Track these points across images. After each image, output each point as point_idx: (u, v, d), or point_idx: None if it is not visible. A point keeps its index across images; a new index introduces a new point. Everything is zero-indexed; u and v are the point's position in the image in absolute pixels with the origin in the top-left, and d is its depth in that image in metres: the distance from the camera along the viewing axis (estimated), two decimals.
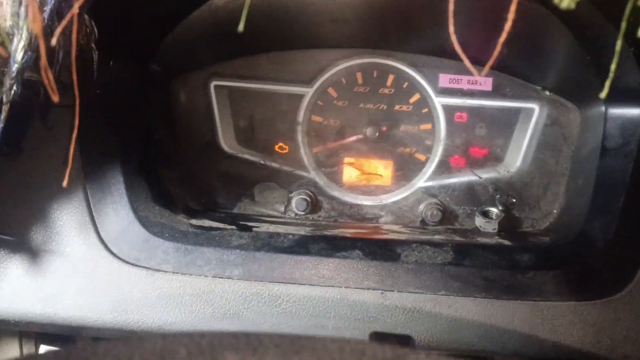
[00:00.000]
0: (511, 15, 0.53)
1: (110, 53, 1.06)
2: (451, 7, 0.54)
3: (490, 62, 0.55)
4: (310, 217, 1.36)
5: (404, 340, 0.80)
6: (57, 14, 0.90)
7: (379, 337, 0.83)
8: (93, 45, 1.00)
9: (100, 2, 0.96)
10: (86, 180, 1.05)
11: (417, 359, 0.41)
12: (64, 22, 0.56)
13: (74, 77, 0.68)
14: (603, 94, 0.57)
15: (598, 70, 1.13)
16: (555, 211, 1.31)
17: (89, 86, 1.03)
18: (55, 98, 0.57)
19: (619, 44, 0.52)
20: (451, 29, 0.56)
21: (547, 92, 1.32)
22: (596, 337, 0.99)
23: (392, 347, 0.43)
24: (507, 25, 0.54)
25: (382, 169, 1.39)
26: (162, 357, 0.42)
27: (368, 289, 1.01)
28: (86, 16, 0.97)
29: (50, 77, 0.58)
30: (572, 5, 0.50)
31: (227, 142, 1.37)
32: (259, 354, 0.43)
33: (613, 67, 0.54)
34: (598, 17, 0.95)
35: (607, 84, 0.54)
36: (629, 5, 0.49)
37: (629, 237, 1.05)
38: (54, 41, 0.57)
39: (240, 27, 0.59)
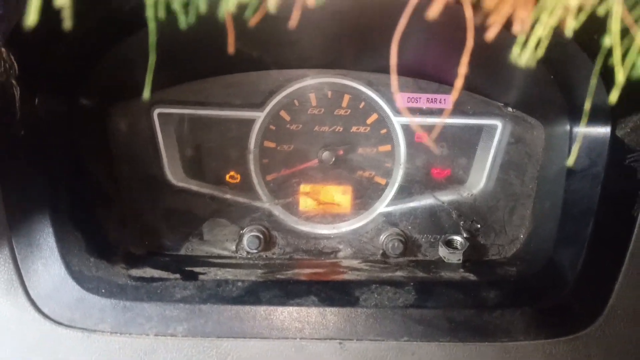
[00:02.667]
0: (469, 42, 0.46)
1: (34, 88, 0.99)
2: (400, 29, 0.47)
3: (458, 88, 0.49)
4: (264, 255, 1.28)
5: None
6: None
7: None
8: (13, 81, 0.93)
9: (18, 35, 0.87)
10: (12, 233, 0.97)
11: None
12: None
13: None
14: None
15: (561, 87, 1.08)
16: (522, 236, 1.27)
17: (11, 126, 0.95)
18: None
19: (593, 81, 0.46)
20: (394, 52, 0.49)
21: (510, 109, 1.27)
22: None
23: None
24: (466, 53, 0.47)
25: (340, 195, 1.32)
26: None
27: (325, 339, 0.96)
28: (3, 49, 0.89)
29: None
30: (533, 64, 0.43)
31: (173, 173, 1.29)
32: None
33: (587, 106, 0.48)
34: (561, 39, 0.90)
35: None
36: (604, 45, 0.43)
37: (597, 267, 1.02)
38: None
39: (146, 93, 0.50)
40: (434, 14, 0.42)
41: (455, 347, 0.95)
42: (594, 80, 0.50)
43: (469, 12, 0.43)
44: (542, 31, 0.41)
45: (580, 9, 0.43)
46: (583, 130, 1.10)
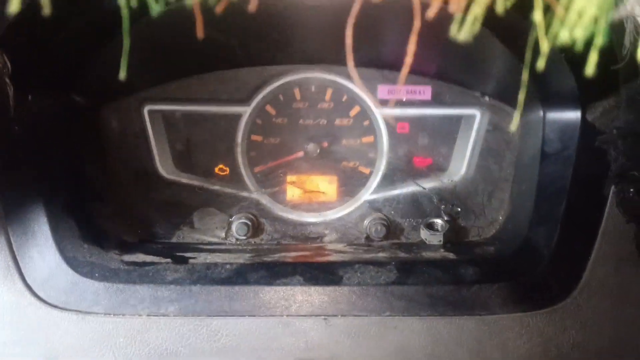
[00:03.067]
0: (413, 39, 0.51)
1: (28, 86, 1.03)
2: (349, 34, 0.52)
3: (408, 64, 0.52)
4: (252, 242, 1.33)
5: None
6: None
7: None
8: (7, 79, 0.97)
9: (10, 34, 0.92)
10: (8, 223, 1.01)
11: None
12: None
13: None
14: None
15: (533, 75, 1.12)
16: (500, 218, 1.31)
17: (5, 123, 0.99)
18: None
19: (525, 75, 0.51)
20: (349, 57, 0.53)
21: (487, 98, 1.31)
22: (544, 346, 1.00)
23: None
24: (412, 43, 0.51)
25: (326, 185, 1.36)
26: None
27: (311, 315, 1.00)
28: None
29: None
30: (469, 39, 0.48)
31: (164, 167, 1.33)
32: None
33: (521, 97, 0.52)
34: (524, 27, 0.94)
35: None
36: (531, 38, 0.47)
37: (571, 245, 1.06)
38: None
39: (122, 74, 0.54)
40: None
41: (435, 321, 0.99)
42: (527, 56, 0.54)
43: None
44: (477, 9, 0.46)
45: None
46: (554, 114, 1.15)
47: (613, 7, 0.43)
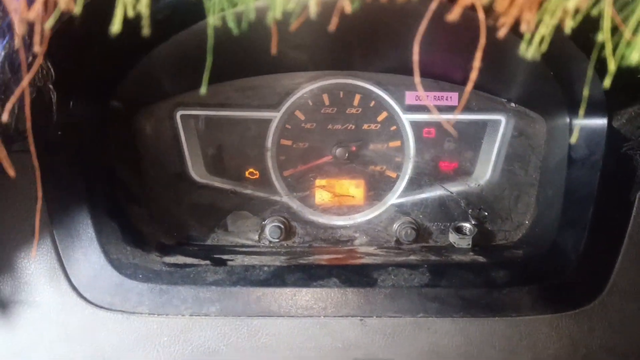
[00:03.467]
0: (482, 42, 0.53)
1: (70, 93, 1.06)
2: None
3: (473, 79, 0.55)
4: (285, 244, 1.36)
5: None
6: (9, 64, 0.88)
7: None
8: (51, 86, 0.99)
9: (55, 42, 0.95)
10: (53, 226, 1.04)
11: None
12: (13, 99, 0.54)
13: (32, 149, 0.65)
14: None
15: (560, 83, 1.15)
16: (527, 222, 1.33)
17: (49, 128, 1.03)
18: (12, 173, 0.55)
19: (589, 72, 0.53)
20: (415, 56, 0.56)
21: (513, 104, 1.34)
22: (573, 347, 1.02)
23: None
24: (479, 54, 0.54)
25: (354, 189, 1.39)
26: None
27: (347, 316, 1.02)
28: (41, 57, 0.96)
29: (4, 154, 0.56)
30: (537, 58, 0.51)
31: (197, 171, 1.36)
32: None
33: (585, 93, 0.55)
34: (558, 38, 0.97)
35: None
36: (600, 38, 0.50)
37: (599, 249, 1.08)
38: (5, 117, 0.55)
39: (203, 90, 0.57)
40: (454, 17, 0.49)
41: (467, 322, 1.01)
42: (589, 72, 0.57)
43: (481, 15, 0.51)
44: (545, 30, 0.49)
45: (576, 11, 0.51)
46: (581, 121, 1.18)
47: None
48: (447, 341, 1.01)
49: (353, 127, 1.39)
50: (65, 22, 0.93)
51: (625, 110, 1.07)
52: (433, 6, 0.56)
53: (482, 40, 0.51)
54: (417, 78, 0.55)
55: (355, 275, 1.09)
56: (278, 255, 1.23)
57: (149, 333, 1.00)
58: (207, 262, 1.14)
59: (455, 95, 1.34)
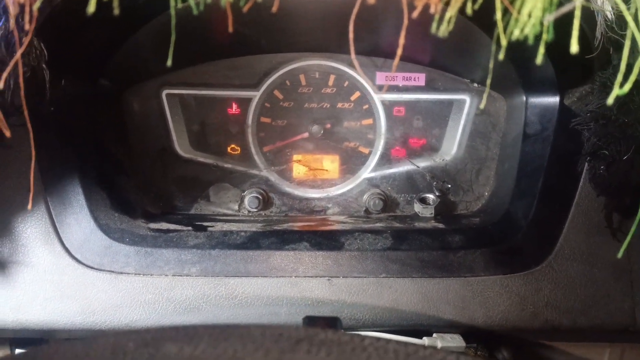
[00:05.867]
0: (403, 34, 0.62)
1: (61, 72, 1.12)
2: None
3: (399, 54, 0.63)
4: (263, 214, 1.45)
5: (332, 322, 0.90)
6: (5, 43, 0.96)
7: (310, 320, 0.93)
8: (44, 65, 1.06)
9: (48, 25, 1.02)
10: (47, 194, 1.11)
11: (313, 339, 0.51)
12: (8, 69, 0.63)
13: (26, 116, 0.74)
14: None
15: (515, 64, 1.24)
16: (486, 194, 1.42)
17: (43, 104, 1.10)
18: (7, 134, 0.64)
19: (491, 64, 0.62)
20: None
21: (476, 85, 1.43)
22: (521, 305, 1.09)
23: (301, 329, 0.53)
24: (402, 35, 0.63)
25: (329, 164, 1.48)
26: (113, 351, 0.51)
27: (316, 276, 1.10)
28: (35, 38, 1.04)
29: (1, 117, 0.65)
30: (446, 35, 0.59)
31: (181, 146, 1.45)
32: (195, 342, 0.52)
33: (488, 82, 0.63)
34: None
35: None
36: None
37: (547, 216, 1.16)
38: (0, 85, 0.64)
39: (169, 62, 0.66)
40: (372, 1, 0.58)
41: (425, 282, 1.09)
42: (493, 47, 0.64)
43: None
44: (452, 11, 0.58)
45: None
46: (535, 99, 1.27)
47: (555, 9, 0.54)
48: (407, 299, 1.09)
49: (328, 105, 1.47)
50: (57, 7, 1.01)
51: (576, 89, 1.15)
52: None
53: (405, 22, 0.60)
54: (352, 53, 0.64)
55: (325, 240, 1.17)
56: (255, 222, 1.31)
57: (135, 291, 1.07)
58: (189, 228, 1.23)
59: (422, 75, 1.43)
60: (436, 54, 1.37)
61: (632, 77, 0.52)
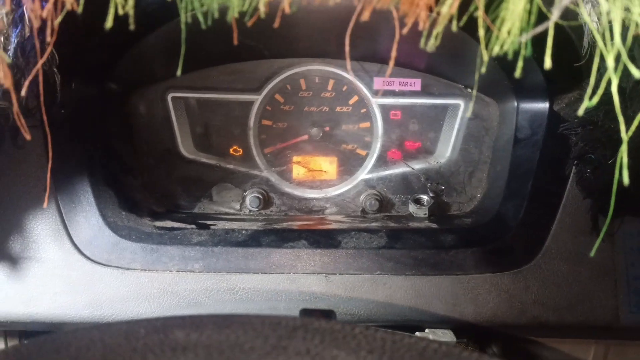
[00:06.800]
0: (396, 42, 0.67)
1: (71, 75, 1.17)
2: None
3: (391, 66, 0.68)
4: (263, 213, 1.49)
5: (327, 315, 0.95)
6: (21, 50, 1.01)
7: (306, 312, 0.98)
8: (55, 70, 1.11)
9: (60, 33, 1.07)
10: (57, 192, 1.16)
11: (307, 327, 0.56)
12: (30, 77, 0.68)
13: (45, 118, 0.79)
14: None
15: (505, 71, 1.28)
16: (478, 195, 1.47)
17: (54, 107, 1.15)
18: (28, 137, 0.69)
19: (476, 75, 0.66)
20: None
21: (469, 90, 1.47)
22: (509, 302, 1.14)
23: (297, 319, 0.58)
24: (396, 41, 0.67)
25: (328, 165, 1.53)
26: (126, 337, 0.56)
27: (313, 273, 1.15)
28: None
29: (22, 121, 0.70)
30: (434, 50, 0.64)
31: (185, 148, 1.49)
32: (200, 329, 0.57)
33: (474, 92, 0.68)
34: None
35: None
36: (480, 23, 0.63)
37: (535, 217, 1.20)
38: (23, 92, 0.69)
39: (178, 72, 0.71)
40: (365, 18, 0.63)
41: (418, 279, 1.14)
42: (481, 58, 0.69)
43: (395, 14, 0.65)
44: (439, 28, 0.63)
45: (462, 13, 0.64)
46: (525, 105, 1.32)
47: (533, 27, 0.59)
48: (400, 295, 1.13)
49: (327, 109, 1.52)
50: (68, 16, 1.05)
51: (565, 96, 1.19)
52: (359, 7, 0.70)
53: (397, 36, 0.65)
54: (348, 62, 0.68)
55: (322, 238, 1.21)
56: (256, 221, 1.36)
57: (141, 286, 1.12)
58: (193, 226, 1.27)
59: (418, 81, 1.48)
60: (431, 61, 1.42)
61: (600, 91, 0.57)
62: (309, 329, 0.58)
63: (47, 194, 0.96)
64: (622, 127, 0.57)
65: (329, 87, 1.52)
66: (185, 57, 1.45)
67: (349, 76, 1.49)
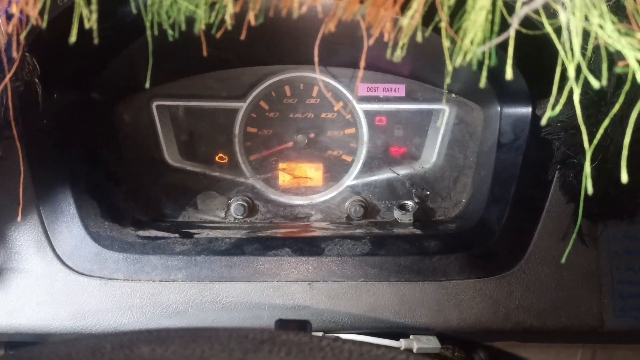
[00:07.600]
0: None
1: (53, 85, 1.17)
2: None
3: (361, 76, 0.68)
4: (248, 220, 1.49)
5: (302, 325, 0.95)
6: None
7: (282, 322, 0.98)
8: (37, 80, 1.11)
9: (39, 42, 1.07)
10: (40, 203, 1.16)
11: (279, 340, 0.56)
12: None
13: (15, 132, 0.79)
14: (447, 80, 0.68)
15: (489, 76, 1.28)
16: (463, 200, 1.47)
17: (36, 117, 1.15)
18: None
19: (447, 79, 0.67)
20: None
21: (454, 95, 1.47)
22: (494, 307, 1.14)
23: (265, 331, 0.58)
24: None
25: (314, 172, 1.53)
26: (92, 352, 0.56)
27: (297, 281, 1.15)
28: (28, 55, 1.08)
29: None
30: (400, 60, 0.64)
31: (171, 156, 1.49)
32: (166, 344, 0.57)
33: (445, 98, 0.68)
34: None
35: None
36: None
37: (519, 222, 1.20)
38: None
39: (147, 85, 0.71)
40: (330, 28, 0.63)
41: (402, 286, 1.13)
42: (449, 67, 0.69)
43: (362, 25, 0.65)
44: (404, 39, 0.63)
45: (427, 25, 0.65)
46: (508, 109, 1.32)
47: (496, 36, 0.59)
48: (384, 302, 1.13)
49: (312, 115, 1.52)
50: (49, 27, 1.05)
51: (547, 100, 1.18)
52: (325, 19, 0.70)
53: (365, 47, 0.65)
54: (317, 70, 0.68)
55: (306, 246, 1.21)
56: (240, 229, 1.36)
57: (124, 296, 1.12)
58: (176, 235, 1.27)
59: (402, 87, 1.48)
60: (415, 67, 1.42)
61: (562, 100, 0.57)
62: (276, 341, 0.58)
63: (20, 207, 0.96)
64: (585, 137, 0.57)
65: (314, 94, 1.52)
66: (169, 65, 1.46)
67: (334, 82, 1.49)
